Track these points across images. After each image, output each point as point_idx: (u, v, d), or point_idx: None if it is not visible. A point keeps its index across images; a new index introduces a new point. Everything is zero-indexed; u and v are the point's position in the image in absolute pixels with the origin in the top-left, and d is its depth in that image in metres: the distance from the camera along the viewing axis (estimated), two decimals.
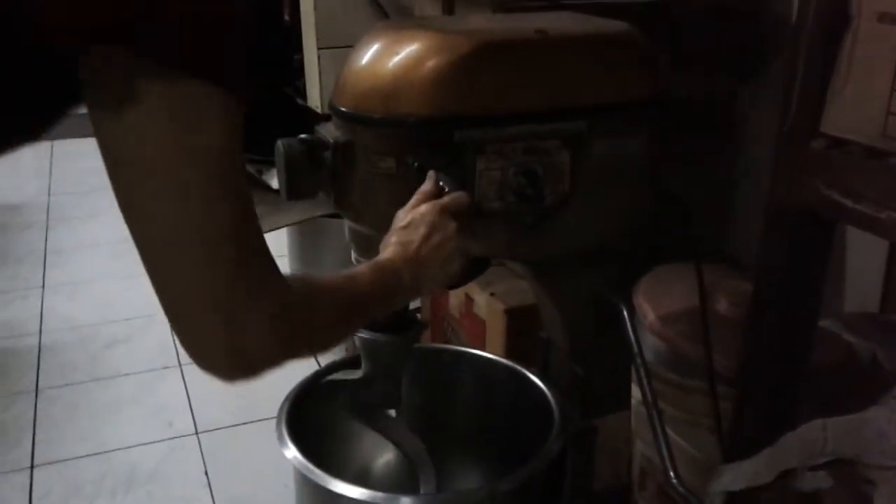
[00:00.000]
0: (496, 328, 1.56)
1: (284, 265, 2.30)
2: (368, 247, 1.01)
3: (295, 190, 0.96)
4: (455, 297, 1.73)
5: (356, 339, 1.08)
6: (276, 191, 1.82)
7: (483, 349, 1.63)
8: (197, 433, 1.84)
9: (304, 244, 2.04)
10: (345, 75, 0.97)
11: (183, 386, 2.02)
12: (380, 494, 1.01)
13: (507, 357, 1.54)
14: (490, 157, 0.94)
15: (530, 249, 1.03)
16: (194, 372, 2.03)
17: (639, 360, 1.11)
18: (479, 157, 0.93)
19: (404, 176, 0.92)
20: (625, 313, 1.12)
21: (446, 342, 1.80)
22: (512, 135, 0.94)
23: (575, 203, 1.00)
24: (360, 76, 0.94)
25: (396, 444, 1.16)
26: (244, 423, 1.86)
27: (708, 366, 1.21)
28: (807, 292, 0.99)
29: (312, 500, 1.11)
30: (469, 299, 1.66)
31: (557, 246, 1.04)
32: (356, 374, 1.11)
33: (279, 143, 0.95)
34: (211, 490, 1.66)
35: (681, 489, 1.08)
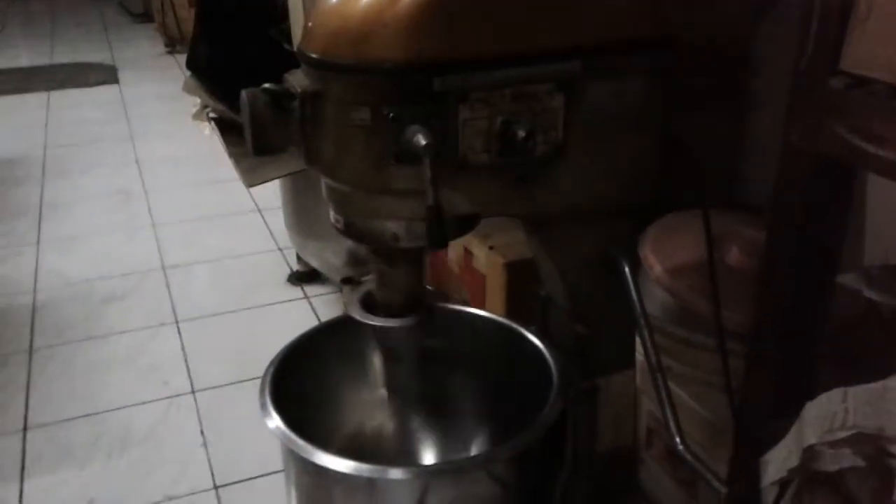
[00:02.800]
0: (496, 282, 1.49)
1: (279, 217, 2.24)
2: (346, 204, 0.93)
3: (262, 145, 0.88)
4: (454, 251, 1.65)
5: (369, 326, 1.02)
6: None
7: (483, 304, 1.57)
8: (193, 392, 1.80)
9: (299, 196, 1.96)
10: (314, 16, 0.88)
11: (179, 344, 1.97)
12: (366, 466, 0.95)
13: (507, 312, 1.48)
14: (474, 106, 0.85)
15: (522, 205, 0.95)
16: (191, 329, 1.99)
17: (641, 319, 1.04)
18: (462, 106, 0.85)
19: (380, 127, 0.84)
20: (626, 269, 1.04)
21: (446, 298, 1.73)
22: (498, 80, 0.85)
23: (570, 154, 0.92)
24: (329, 17, 0.85)
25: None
26: (241, 382, 1.82)
27: (716, 321, 1.13)
28: (825, 244, 0.91)
29: (298, 473, 1.06)
30: (468, 253, 1.58)
31: (552, 201, 0.96)
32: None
33: (243, 93, 0.87)
34: (207, 450, 1.62)
35: (687, 455, 1.01)
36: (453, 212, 0.90)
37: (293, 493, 1.09)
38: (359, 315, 1.05)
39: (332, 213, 0.98)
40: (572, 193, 0.96)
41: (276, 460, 1.55)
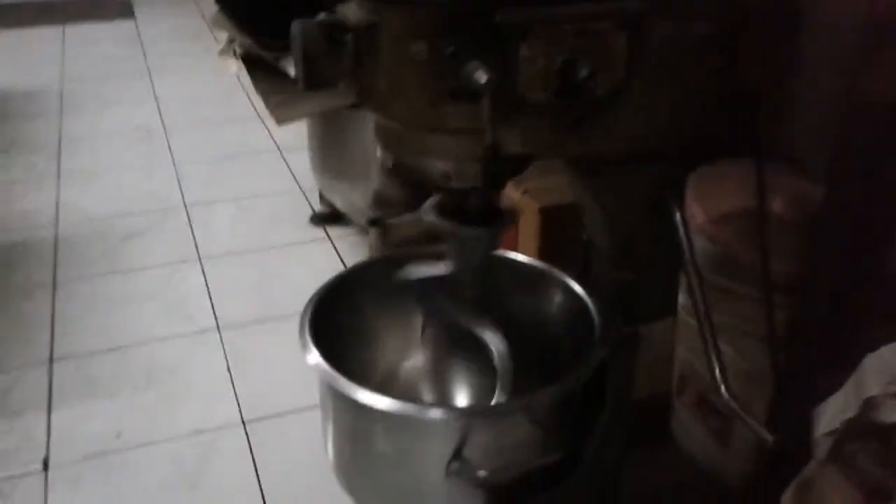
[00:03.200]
0: (529, 228, 1.47)
1: (304, 160, 2.22)
2: (397, 143, 0.91)
3: (313, 79, 0.85)
4: None
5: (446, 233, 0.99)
6: (295, 80, 1.71)
7: (514, 250, 1.55)
8: (218, 328, 1.80)
9: (327, 137, 1.93)
10: None
11: (202, 280, 1.97)
12: (409, 405, 0.95)
13: (540, 259, 1.46)
14: (535, 43, 0.82)
15: (577, 148, 0.93)
16: (214, 265, 1.98)
17: (691, 266, 1.03)
18: (522, 43, 0.82)
19: (437, 63, 0.81)
20: (678, 215, 1.02)
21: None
22: (562, 15, 0.82)
23: (630, 96, 0.89)
24: None
25: (482, 342, 1.10)
26: (266, 320, 1.82)
27: (764, 271, 1.12)
28: (886, 194, 0.89)
29: (337, 410, 1.05)
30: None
31: (608, 144, 0.93)
32: (436, 270, 1.04)
33: (295, 25, 0.84)
34: (234, 386, 1.63)
35: (733, 404, 1.01)
36: (506, 152, 0.88)
37: (330, 430, 1.09)
38: (440, 220, 1.02)
39: (379, 152, 0.96)
40: (629, 137, 0.94)
41: (304, 397, 1.56)
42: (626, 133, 0.93)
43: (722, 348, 1.30)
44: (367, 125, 1.83)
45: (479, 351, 1.22)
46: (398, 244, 1.95)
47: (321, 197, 2.22)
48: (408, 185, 1.90)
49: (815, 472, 0.97)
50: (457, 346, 1.23)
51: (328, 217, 2.23)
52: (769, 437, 0.98)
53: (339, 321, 1.16)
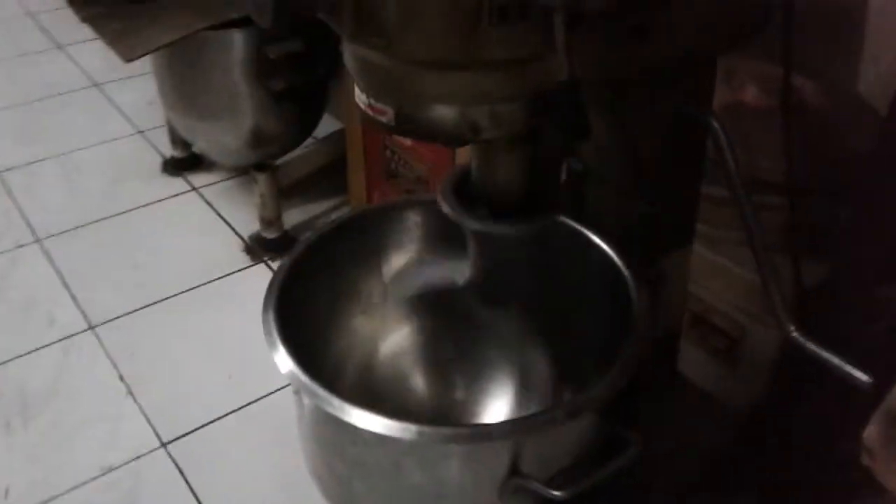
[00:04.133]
0: None
1: (134, 92, 1.84)
2: (402, 88, 0.65)
3: (283, 8, 0.57)
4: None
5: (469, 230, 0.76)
6: None
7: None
8: (91, 327, 1.46)
9: (180, 66, 1.57)
10: None
11: (51, 268, 1.59)
12: (412, 427, 0.72)
13: None
14: None
15: (628, 64, 0.72)
16: (60, 245, 1.58)
17: (740, 189, 0.85)
18: None
19: None
20: (721, 132, 0.84)
21: (392, 181, 1.47)
22: None
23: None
24: None
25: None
26: (147, 307, 1.49)
27: (789, 174, 0.98)
28: None
29: (342, 443, 0.82)
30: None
31: (663, 52, 0.72)
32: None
33: None
34: (136, 401, 1.31)
35: (811, 344, 0.86)
36: (554, 80, 0.65)
37: (322, 459, 0.85)
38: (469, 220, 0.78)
39: (359, 95, 0.69)
40: (677, 45, 0.73)
41: (224, 399, 1.29)
42: (677, 41, 0.73)
43: (724, 264, 1.16)
44: (233, 49, 1.49)
45: (470, 326, 1.01)
46: (290, 186, 1.66)
47: (173, 139, 1.85)
48: (289, 116, 1.60)
49: None
50: (446, 322, 1.01)
51: (185, 162, 1.87)
52: (865, 378, 0.84)
53: (301, 305, 0.90)
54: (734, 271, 1.13)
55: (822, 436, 1.15)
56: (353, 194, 1.61)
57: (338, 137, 1.63)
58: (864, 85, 1.24)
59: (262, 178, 1.54)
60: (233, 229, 1.68)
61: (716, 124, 0.85)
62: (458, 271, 0.95)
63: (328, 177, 1.70)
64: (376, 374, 1.02)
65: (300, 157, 1.63)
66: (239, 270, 1.58)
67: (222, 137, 1.62)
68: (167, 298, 1.51)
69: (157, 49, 1.35)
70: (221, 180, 1.84)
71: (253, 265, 1.59)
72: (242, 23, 1.44)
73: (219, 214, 1.73)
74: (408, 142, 1.38)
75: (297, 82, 1.51)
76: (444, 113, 0.65)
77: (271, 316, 0.83)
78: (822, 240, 1.07)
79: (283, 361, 0.78)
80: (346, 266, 0.96)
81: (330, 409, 0.74)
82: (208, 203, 1.77)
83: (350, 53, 0.66)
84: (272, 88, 1.50)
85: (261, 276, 1.55)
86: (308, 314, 0.91)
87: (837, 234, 1.04)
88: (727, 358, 1.19)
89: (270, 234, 1.61)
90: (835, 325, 0.92)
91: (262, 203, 1.57)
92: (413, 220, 0.98)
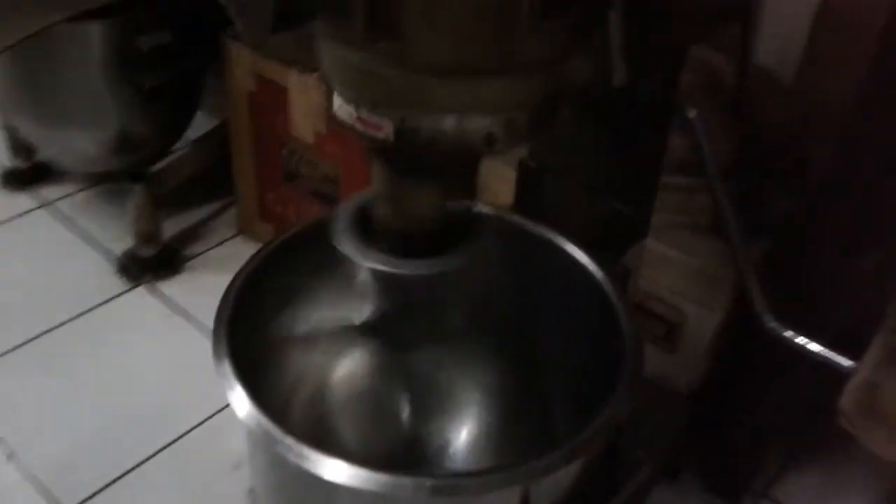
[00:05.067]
0: None
1: None
2: (412, 98, 0.55)
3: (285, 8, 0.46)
4: (301, 111, 1.24)
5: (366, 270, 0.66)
6: None
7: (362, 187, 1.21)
8: None
9: (24, 65, 1.35)
10: None
11: None
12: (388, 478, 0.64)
13: None
14: None
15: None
16: None
17: (715, 180, 0.82)
18: None
19: None
20: (696, 120, 0.80)
21: (291, 182, 1.34)
22: None
23: None
24: None
25: None
26: (10, 351, 1.28)
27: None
28: None
29: (290, 482, 0.71)
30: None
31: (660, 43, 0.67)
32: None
33: None
34: (16, 460, 1.12)
35: (787, 333, 0.84)
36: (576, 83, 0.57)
37: None
38: (364, 257, 0.68)
39: (350, 115, 0.58)
40: (683, 25, 0.68)
41: (129, 450, 1.12)
42: (680, 25, 0.67)
43: (660, 249, 1.14)
44: (94, 43, 1.30)
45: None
46: (167, 195, 1.48)
47: (14, 147, 1.61)
48: (159, 116, 1.43)
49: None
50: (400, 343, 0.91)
51: (30, 174, 1.64)
52: (848, 363, 0.83)
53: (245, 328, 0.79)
54: (670, 255, 1.11)
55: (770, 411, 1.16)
56: (241, 198, 1.46)
57: (216, 135, 1.47)
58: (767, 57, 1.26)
59: (138, 189, 1.36)
60: (101, 248, 1.48)
61: (692, 114, 0.81)
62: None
63: (206, 179, 1.54)
64: (326, 407, 0.92)
65: (178, 160, 1.46)
66: (115, 297, 1.39)
67: (81, 143, 1.42)
68: (35, 339, 1.30)
69: (4, 50, 1.14)
70: (79, 191, 1.62)
71: (131, 288, 1.41)
72: (102, 12, 1.26)
73: (81, 232, 1.52)
74: (310, 138, 1.25)
75: (170, 77, 1.34)
76: (460, 124, 0.56)
77: (224, 350, 0.71)
78: (763, 218, 1.07)
79: (241, 404, 0.67)
80: (291, 288, 0.85)
81: (305, 464, 0.64)
82: (67, 219, 1.55)
83: (338, 60, 0.55)
84: (143, 86, 1.32)
85: (142, 301, 1.38)
86: (253, 340, 0.79)
87: (784, 211, 1.04)
88: (667, 344, 1.18)
89: (148, 251, 1.43)
90: (806, 304, 0.92)
91: (139, 216, 1.39)
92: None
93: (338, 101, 0.59)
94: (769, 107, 1.19)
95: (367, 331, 0.86)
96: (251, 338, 0.76)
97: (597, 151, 0.84)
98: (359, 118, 0.58)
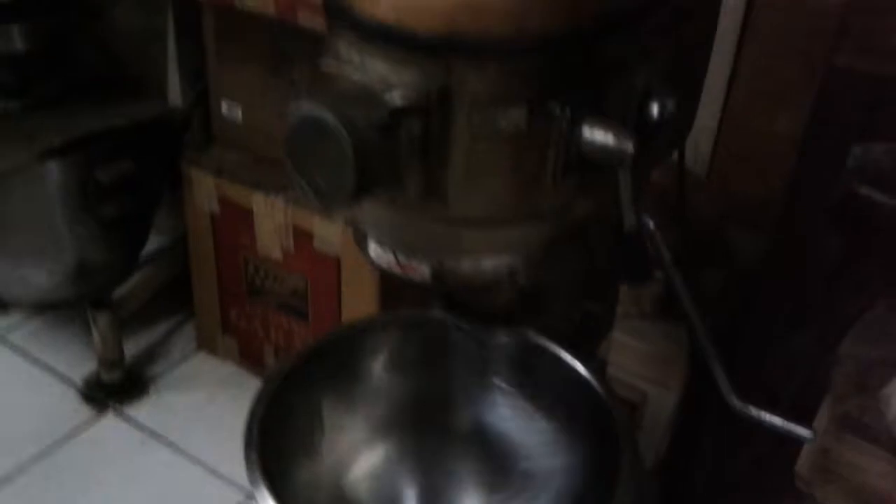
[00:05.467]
0: (361, 272, 1.21)
1: None
2: (445, 244, 0.63)
3: (367, 183, 0.54)
4: (267, 230, 1.29)
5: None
6: None
7: (334, 299, 1.27)
8: None
9: None
10: None
11: None
12: None
13: (382, 306, 1.22)
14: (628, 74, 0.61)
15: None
16: None
17: (680, 283, 0.92)
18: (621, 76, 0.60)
19: (540, 132, 0.56)
20: (655, 231, 0.90)
21: (256, 297, 1.38)
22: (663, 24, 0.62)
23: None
24: None
25: None
26: None
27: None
28: None
29: None
30: (304, 233, 1.25)
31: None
32: None
33: (313, 114, 0.51)
34: None
35: (753, 410, 0.94)
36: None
37: None
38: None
39: (387, 261, 0.66)
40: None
41: None
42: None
43: (627, 341, 1.24)
44: (48, 183, 1.32)
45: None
46: (133, 316, 1.50)
47: None
48: (117, 244, 1.45)
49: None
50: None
51: None
52: (810, 435, 0.94)
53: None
54: (629, 343, 1.21)
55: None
56: (202, 314, 1.49)
57: (175, 253, 1.51)
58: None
59: (101, 316, 1.38)
60: (60, 376, 1.47)
61: (651, 225, 0.91)
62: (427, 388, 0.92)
63: (163, 295, 1.56)
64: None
65: (139, 282, 1.48)
66: (84, 426, 1.39)
67: (36, 277, 1.43)
68: (6, 479, 1.28)
69: None
70: (26, 319, 1.61)
71: (99, 416, 1.41)
72: (60, 151, 1.29)
73: (37, 362, 1.51)
74: (278, 255, 1.31)
75: (130, 206, 1.38)
76: (487, 263, 0.64)
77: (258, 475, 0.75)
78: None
79: None
80: (314, 392, 0.89)
81: None
82: (20, 350, 1.54)
83: (380, 218, 0.63)
84: (102, 217, 1.35)
85: (114, 427, 1.38)
86: (277, 444, 0.83)
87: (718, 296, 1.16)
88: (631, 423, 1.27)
89: (113, 376, 1.44)
90: (762, 379, 1.03)
91: (103, 342, 1.40)
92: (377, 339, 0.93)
93: (373, 246, 0.67)
94: (696, 202, 1.33)
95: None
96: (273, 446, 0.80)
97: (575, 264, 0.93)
98: (398, 262, 0.65)
